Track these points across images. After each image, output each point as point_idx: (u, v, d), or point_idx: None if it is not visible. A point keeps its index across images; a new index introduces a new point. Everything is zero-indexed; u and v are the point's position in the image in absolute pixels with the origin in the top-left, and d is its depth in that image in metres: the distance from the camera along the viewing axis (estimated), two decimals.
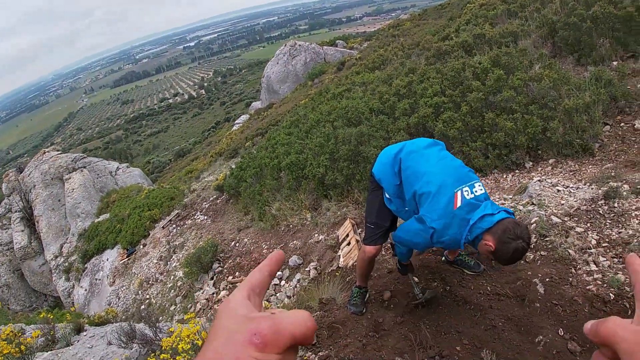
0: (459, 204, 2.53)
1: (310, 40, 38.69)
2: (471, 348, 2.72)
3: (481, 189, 2.61)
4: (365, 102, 9.02)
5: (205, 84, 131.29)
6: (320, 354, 2.73)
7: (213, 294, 8.17)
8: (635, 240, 3.55)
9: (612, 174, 4.81)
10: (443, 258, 3.64)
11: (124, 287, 11.66)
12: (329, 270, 6.10)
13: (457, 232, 2.54)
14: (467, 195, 2.55)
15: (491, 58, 7.63)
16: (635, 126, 5.54)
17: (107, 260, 13.77)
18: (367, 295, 3.38)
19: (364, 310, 3.18)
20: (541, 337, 2.73)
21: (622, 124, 5.72)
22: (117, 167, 22.37)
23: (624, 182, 4.54)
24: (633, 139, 5.39)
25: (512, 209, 4.59)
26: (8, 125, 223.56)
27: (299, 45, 33.87)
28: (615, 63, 6.77)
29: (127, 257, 12.86)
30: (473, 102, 6.61)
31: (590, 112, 5.65)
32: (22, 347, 3.91)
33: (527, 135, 5.85)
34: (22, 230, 19.16)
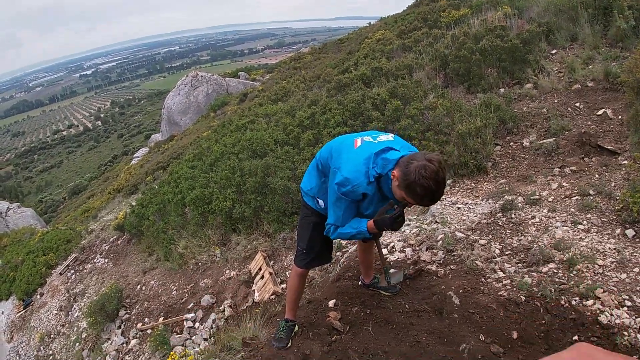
0: (358, 144, 2.45)
1: (212, 71, 38.41)
2: None
3: (387, 138, 2.49)
4: (270, 133, 9.07)
5: (102, 115, 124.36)
6: None
7: (122, 343, 7.63)
8: (535, 245, 3.85)
9: (507, 188, 5.23)
10: (360, 282, 3.68)
11: (24, 343, 10.55)
12: (245, 306, 5.95)
13: (359, 164, 2.37)
14: (367, 139, 2.48)
15: (389, 90, 8.06)
16: (523, 144, 6.09)
17: (2, 313, 12.47)
18: (296, 329, 3.26)
19: (289, 345, 3.09)
20: (464, 345, 2.84)
21: (511, 144, 6.26)
22: (8, 208, 20.82)
23: (518, 194, 4.96)
24: (522, 155, 5.92)
25: (417, 229, 4.83)
26: None
27: (201, 76, 33.46)
28: (502, 90, 7.43)
29: (23, 309, 11.73)
30: None
31: (481, 135, 6.13)
32: None
33: None
34: None
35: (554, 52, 7.68)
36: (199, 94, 32.11)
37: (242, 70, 41.23)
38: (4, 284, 13.24)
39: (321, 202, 2.82)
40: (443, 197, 5.58)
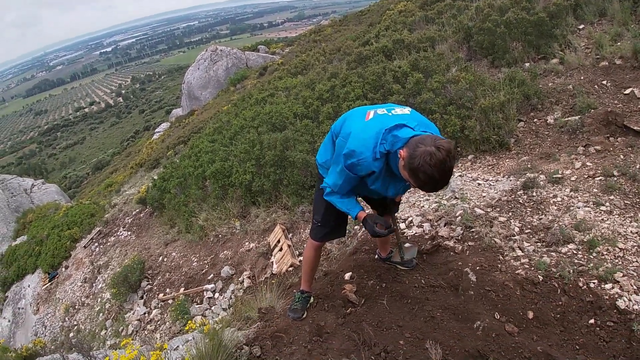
0: (370, 116, 2.37)
1: (231, 45, 38.22)
2: (414, 340, 2.76)
3: (403, 112, 2.38)
4: (289, 107, 9.03)
5: (123, 91, 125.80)
6: None
7: (145, 313, 7.82)
8: (555, 224, 3.79)
9: (529, 165, 5.13)
10: (376, 256, 3.68)
11: (50, 315, 10.88)
12: (263, 278, 6.02)
13: (368, 138, 2.28)
14: (381, 111, 2.38)
15: (410, 62, 7.90)
16: (547, 121, 5.94)
17: (29, 286, 12.84)
18: (311, 301, 3.32)
19: (304, 316, 3.13)
20: (479, 322, 2.83)
21: (535, 120, 6.11)
22: (33, 184, 21.12)
23: (540, 172, 4.86)
24: (546, 133, 5.78)
25: (436, 204, 4.79)
26: None
27: (221, 50, 33.33)
28: (527, 65, 7.22)
29: (49, 281, 12.07)
30: None
31: (505, 110, 6.00)
32: None
33: (446, 134, 6.09)
34: None
35: (581, 27, 7.39)
36: (219, 68, 32.03)
37: (261, 43, 40.99)
38: (30, 258, 13.61)
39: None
40: (464, 172, 5.53)
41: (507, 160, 5.66)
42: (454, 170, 5.70)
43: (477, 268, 3.37)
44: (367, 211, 2.72)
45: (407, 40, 9.82)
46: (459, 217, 4.17)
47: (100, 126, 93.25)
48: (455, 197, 4.82)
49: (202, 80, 32.39)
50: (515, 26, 7.55)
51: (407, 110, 2.44)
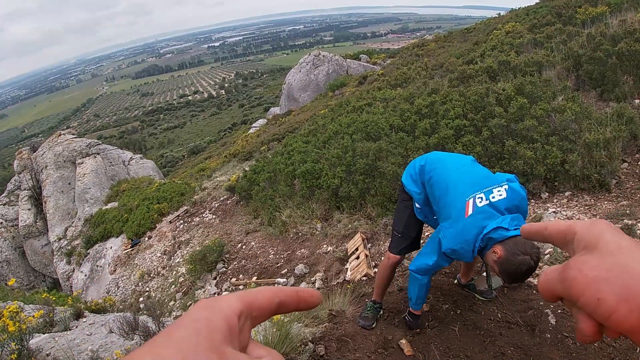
0: (470, 211, 2.48)
1: (334, 52, 38.87)
2: None
3: (500, 195, 2.50)
4: (386, 118, 9.01)
5: (226, 85, 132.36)
6: None
7: (215, 293, 8.12)
8: None
9: (627, 211, 4.77)
10: (456, 281, 3.62)
11: (125, 277, 11.66)
12: (335, 282, 6.07)
13: (468, 241, 2.47)
14: (480, 202, 2.48)
15: (515, 86, 7.62)
16: None
17: (111, 248, 13.81)
18: (381, 312, 3.36)
19: (374, 325, 3.17)
20: None
21: None
22: (131, 157, 22.40)
23: (639, 220, 4.51)
24: None
25: None
26: (26, 104, 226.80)
27: (323, 55, 34.02)
28: (637, 101, 6.74)
29: (131, 247, 12.89)
30: (494, 128, 6.60)
31: (609, 148, 5.61)
32: (23, 327, 3.85)
33: (545, 165, 5.83)
34: (29, 209, 19.27)
35: None
36: (320, 72, 32.70)
37: (363, 52, 41.18)
38: (117, 223, 14.59)
39: (417, 205, 2.98)
40: (558, 209, 5.26)
41: (605, 202, 5.31)
42: (549, 205, 5.46)
43: (559, 311, 3.21)
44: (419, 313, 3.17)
45: (514, 62, 9.50)
46: (548, 255, 3.99)
47: (201, 114, 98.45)
48: None
49: (302, 82, 33.23)
50: (627, 58, 7.08)
51: (504, 189, 2.54)
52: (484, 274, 3.24)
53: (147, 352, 0.35)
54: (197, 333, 0.36)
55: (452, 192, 2.61)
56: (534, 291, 3.48)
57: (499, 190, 2.52)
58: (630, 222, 4.43)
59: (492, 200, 2.48)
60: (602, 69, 7.41)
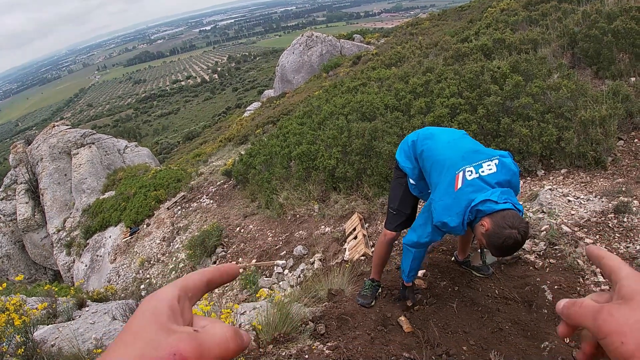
0: (459, 184, 2.50)
1: (327, 32, 38.43)
2: (477, 349, 2.74)
3: (490, 169, 2.52)
4: (381, 97, 8.98)
5: (219, 69, 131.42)
6: (329, 344, 2.75)
7: None
8: None
9: (623, 189, 4.80)
10: (453, 258, 3.65)
11: (125, 265, 11.72)
12: (334, 262, 6.12)
13: (458, 213, 2.49)
14: (470, 175, 2.50)
15: (510, 63, 7.59)
16: None
17: (110, 237, 13.83)
18: (379, 291, 3.39)
19: (373, 303, 3.21)
20: (547, 343, 2.74)
21: (635, 140, 5.71)
22: (126, 146, 22.29)
23: (635, 197, 4.54)
24: None
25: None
26: (19, 97, 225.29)
27: (316, 36, 33.69)
28: (633, 79, 6.72)
29: (130, 235, 12.91)
30: (490, 106, 6.58)
31: (605, 126, 5.62)
32: (27, 319, 3.89)
33: (541, 143, 5.84)
34: (27, 202, 19.23)
35: None
36: (313, 54, 32.42)
37: (357, 32, 40.80)
38: (115, 212, 14.58)
39: (412, 181, 2.99)
40: (555, 186, 5.28)
41: (601, 179, 5.34)
42: (545, 183, 5.49)
43: (555, 287, 3.25)
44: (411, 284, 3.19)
45: (509, 40, 9.43)
46: (544, 232, 4.01)
47: (195, 99, 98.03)
48: (543, 211, 4.63)
49: (295, 64, 32.95)
50: (623, 36, 7.05)
51: (494, 164, 2.55)
52: (479, 250, 3.27)
53: (116, 342, 0.44)
54: (148, 319, 0.45)
55: (442, 165, 2.63)
56: (531, 267, 3.52)
57: (488, 165, 2.54)
58: (626, 199, 4.47)
59: (482, 174, 2.51)
60: (597, 47, 7.38)
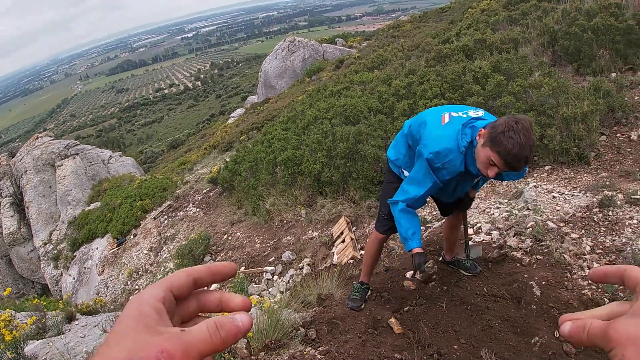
0: (446, 120, 2.45)
1: (309, 37, 38.51)
2: (468, 347, 2.75)
3: (477, 113, 2.46)
4: (364, 101, 9.02)
5: (202, 76, 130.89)
6: (320, 349, 2.74)
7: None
8: (629, 248, 3.60)
9: (607, 183, 4.87)
10: (440, 258, 3.66)
11: (113, 277, 11.59)
12: (323, 267, 6.11)
13: (450, 136, 2.37)
14: (456, 114, 2.46)
15: (492, 63, 7.68)
16: (631, 137, 5.61)
17: (97, 249, 13.66)
18: (369, 293, 3.38)
19: (362, 307, 3.20)
20: (537, 338, 2.76)
21: (618, 135, 5.79)
22: (110, 156, 22.11)
23: (619, 191, 4.61)
24: (628, 149, 5.47)
25: (507, 213, 4.67)
26: (1, 109, 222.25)
27: (298, 41, 33.72)
28: (613, 75, 6.83)
29: (117, 246, 12.77)
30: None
31: (587, 122, 5.70)
32: (17, 334, 3.82)
33: None
34: (12, 216, 18.94)
35: None
36: (296, 58, 32.43)
37: (339, 36, 40.94)
38: (101, 223, 14.39)
39: (406, 172, 2.85)
40: (539, 183, 5.34)
41: (585, 174, 5.40)
42: (529, 180, 5.54)
43: (543, 283, 3.27)
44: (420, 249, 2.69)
45: (490, 40, 9.54)
46: (530, 229, 4.05)
47: (178, 107, 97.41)
48: (528, 208, 4.67)
49: (278, 69, 32.93)
50: (602, 33, 7.17)
51: (480, 112, 2.50)
52: (462, 241, 3.28)
53: (103, 345, 0.44)
54: (133, 323, 0.45)
55: (428, 120, 2.57)
56: (518, 264, 3.55)
57: (475, 111, 2.50)
58: (610, 193, 4.52)
59: (468, 114, 2.47)
60: (577, 44, 7.49)
